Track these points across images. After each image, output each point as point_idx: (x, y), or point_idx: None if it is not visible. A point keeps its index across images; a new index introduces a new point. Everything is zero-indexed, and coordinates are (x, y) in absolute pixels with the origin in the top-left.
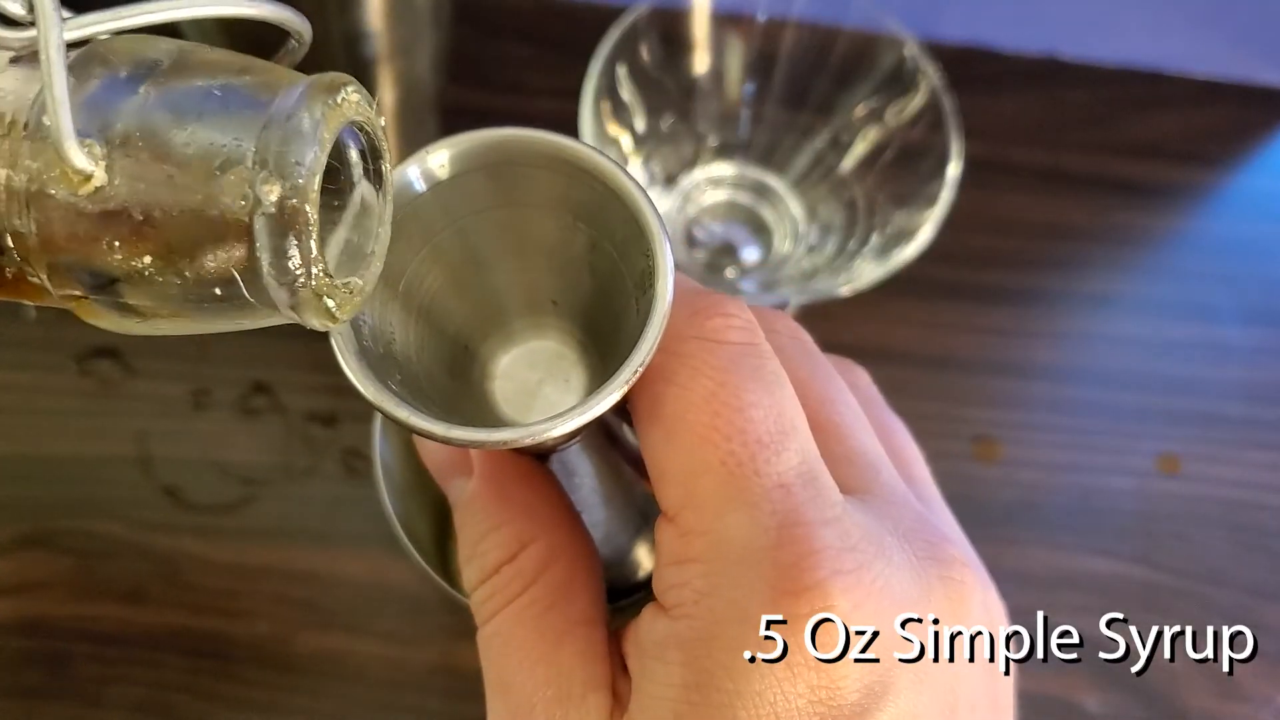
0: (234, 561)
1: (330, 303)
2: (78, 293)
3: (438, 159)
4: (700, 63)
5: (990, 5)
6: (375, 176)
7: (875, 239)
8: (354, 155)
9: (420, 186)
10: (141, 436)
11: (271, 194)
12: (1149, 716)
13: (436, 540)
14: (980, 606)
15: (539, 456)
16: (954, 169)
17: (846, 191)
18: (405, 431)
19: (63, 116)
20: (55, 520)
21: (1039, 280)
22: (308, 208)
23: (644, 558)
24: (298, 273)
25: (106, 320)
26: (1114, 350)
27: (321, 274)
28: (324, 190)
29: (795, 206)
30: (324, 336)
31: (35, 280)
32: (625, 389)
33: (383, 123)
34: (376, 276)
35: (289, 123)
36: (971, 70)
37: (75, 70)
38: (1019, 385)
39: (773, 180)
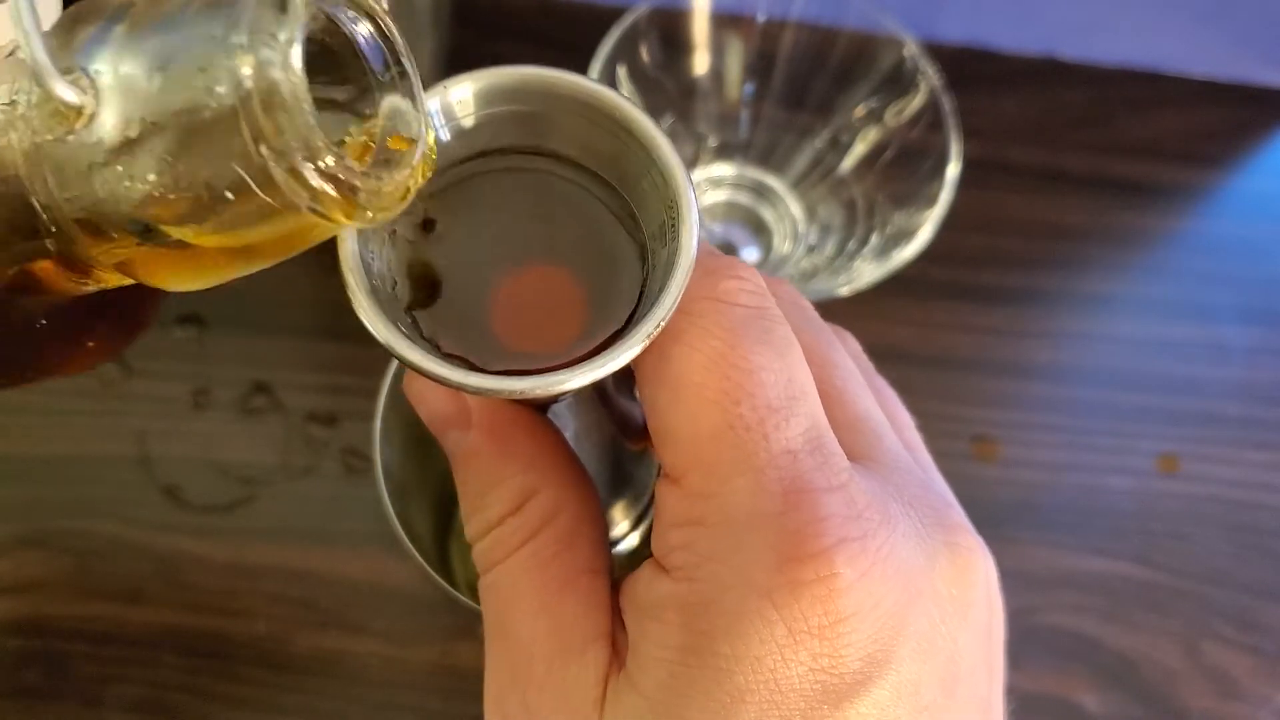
0: (233, 561)
1: (362, 196)
2: (124, 250)
3: (458, 93)
4: (700, 63)
5: (989, 6)
6: (399, 77)
7: (875, 239)
8: (374, 59)
9: (438, 122)
10: (141, 436)
11: (247, 68)
12: (1148, 716)
13: (436, 539)
14: (983, 575)
15: (539, 408)
16: (953, 169)
17: (846, 192)
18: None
19: (38, 50)
20: (54, 520)
21: (1038, 280)
22: (288, 76)
23: (618, 516)
24: (295, 151)
25: (167, 270)
26: (1113, 350)
27: (333, 161)
28: (350, 97)
29: (795, 207)
30: (322, 336)
31: (83, 253)
32: (647, 343)
33: (384, 5)
34: (418, 172)
35: (259, 3)
36: (971, 70)
37: (56, 31)
38: (1018, 385)
39: (772, 180)
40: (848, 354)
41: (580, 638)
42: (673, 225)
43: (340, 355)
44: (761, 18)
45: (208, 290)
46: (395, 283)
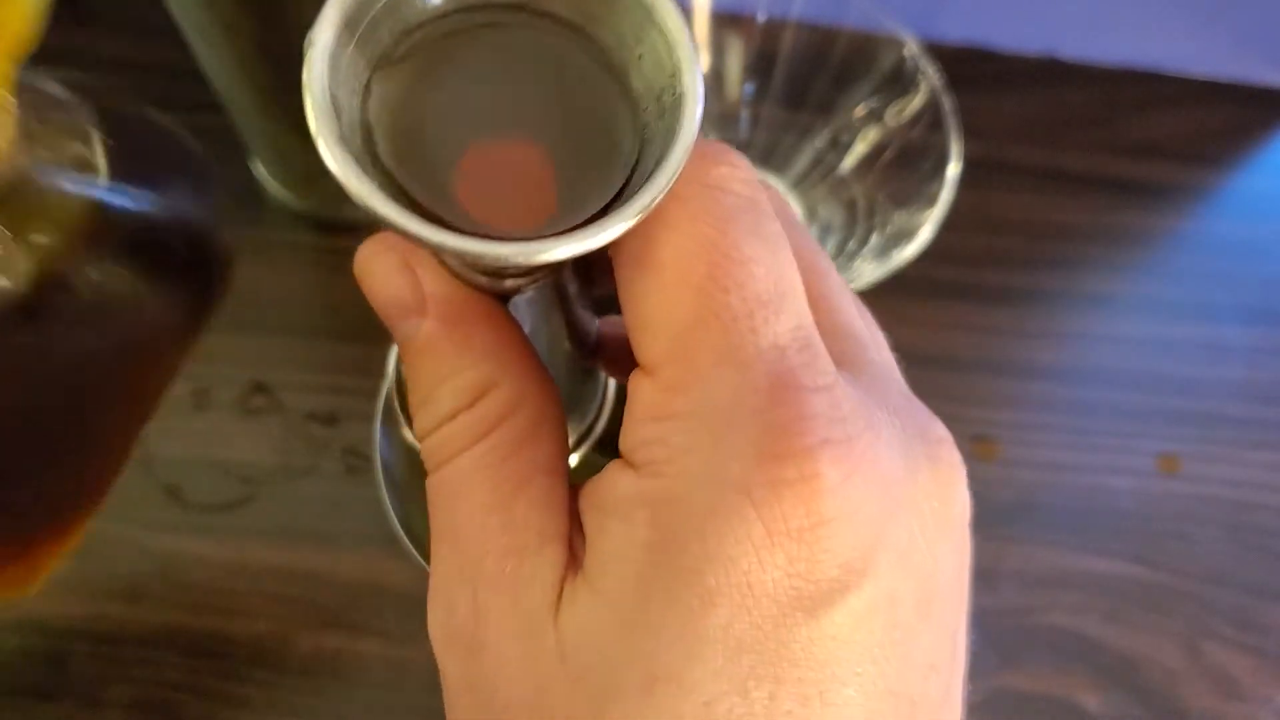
0: (234, 560)
1: None
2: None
3: None
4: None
5: (990, 5)
6: None
7: (875, 239)
8: None
9: None
10: (142, 435)
11: None
12: (1149, 716)
13: None
14: (962, 494)
15: (501, 299)
16: (953, 169)
17: (846, 191)
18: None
19: None
20: None
21: (1038, 280)
22: None
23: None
24: None
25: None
26: (1114, 350)
27: None
28: None
29: (795, 206)
30: (322, 336)
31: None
32: (642, 216)
33: None
34: None
35: None
36: (971, 70)
37: None
38: (1019, 385)
39: (773, 180)
40: None
41: (536, 537)
42: (673, 97)
43: (340, 355)
44: (762, 17)
45: None
46: (362, 141)
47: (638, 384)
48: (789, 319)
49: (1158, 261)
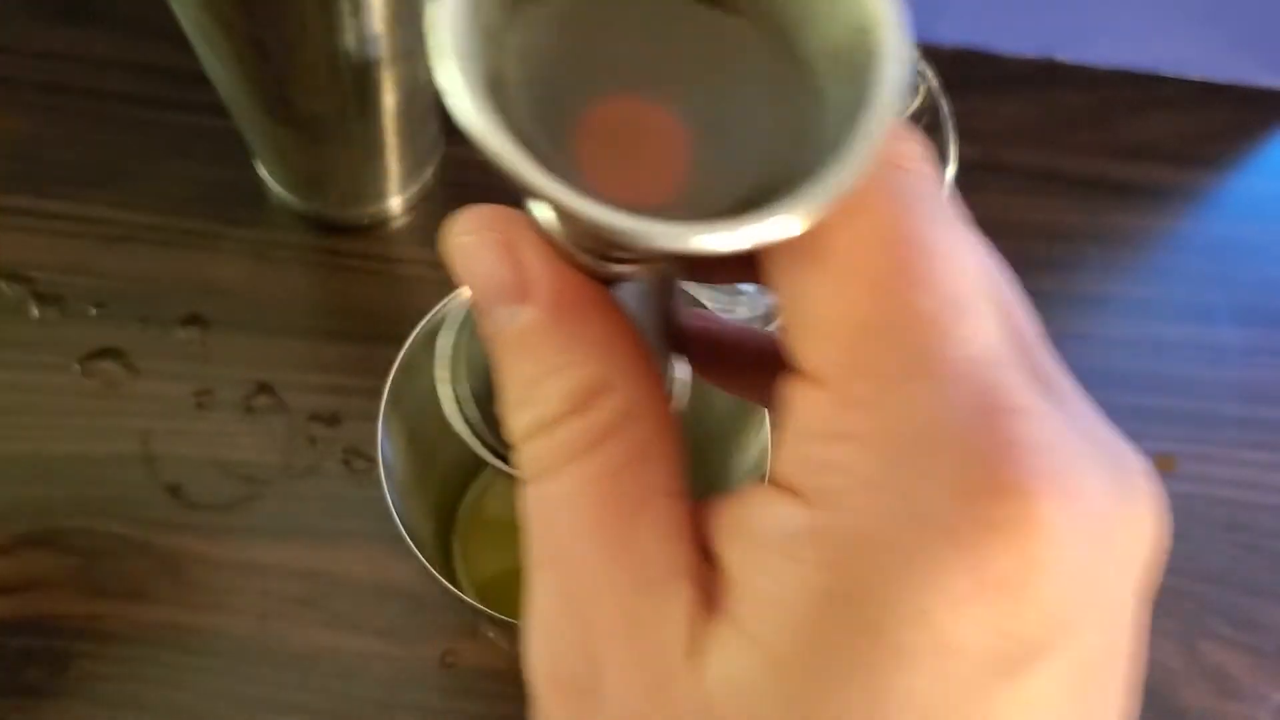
0: (236, 560)
1: None
2: None
3: None
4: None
5: (988, 9)
6: None
7: None
8: None
9: None
10: (144, 436)
11: None
12: (1146, 714)
13: (438, 538)
14: (1161, 529)
15: (609, 284)
16: (951, 170)
17: None
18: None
19: None
20: (58, 519)
21: (1035, 281)
22: None
23: None
24: None
25: None
26: (1110, 350)
27: None
28: None
29: None
30: (325, 337)
31: None
32: (833, 201)
33: None
34: None
35: None
36: (969, 73)
37: None
38: None
39: None
40: None
41: (662, 571)
42: (864, 54)
43: (342, 356)
44: None
45: (210, 291)
46: (489, 95)
47: (801, 395)
48: (985, 325)
49: (1154, 262)
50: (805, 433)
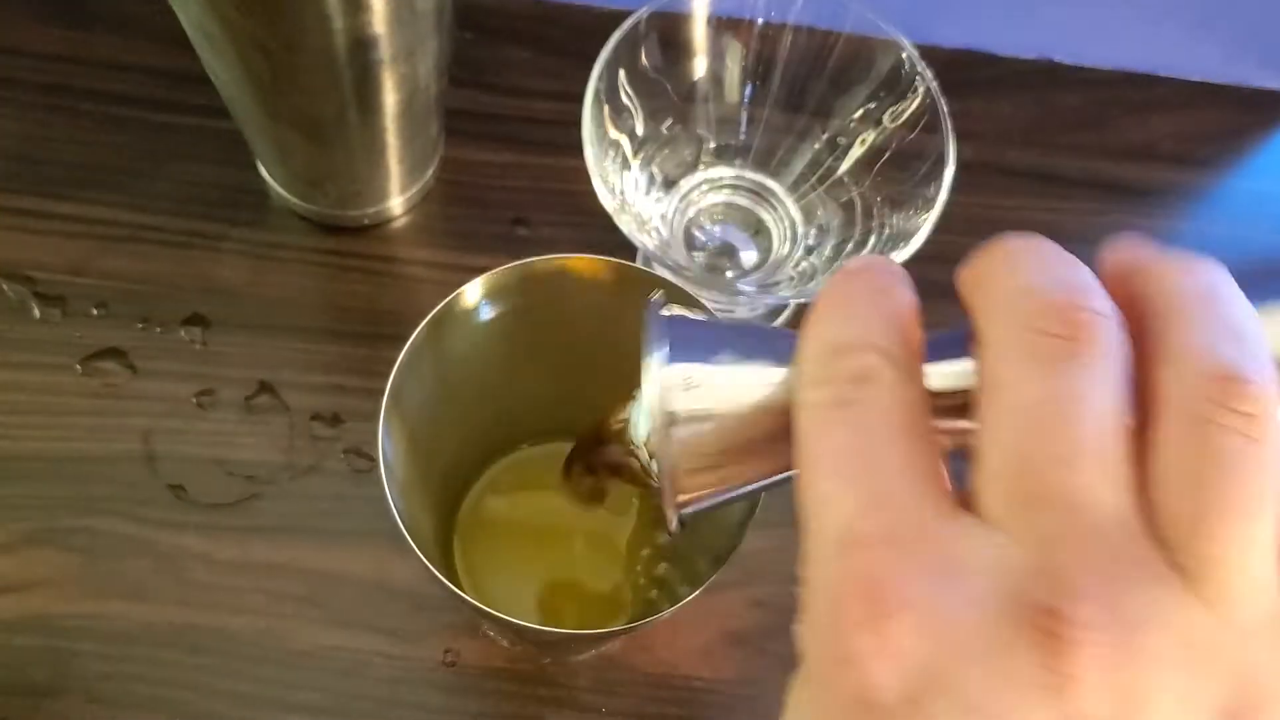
0: (238, 559)
1: None
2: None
3: None
4: (699, 67)
5: (986, 10)
6: None
7: (872, 240)
8: None
9: None
10: (146, 435)
11: None
12: None
13: (439, 538)
14: None
15: None
16: (950, 171)
17: (844, 194)
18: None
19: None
20: (60, 518)
21: None
22: None
23: None
24: None
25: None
26: None
27: None
28: None
29: (793, 209)
30: (326, 337)
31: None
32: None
33: None
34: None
35: None
36: (968, 74)
37: None
38: None
39: (771, 183)
40: None
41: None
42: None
43: (344, 356)
44: (760, 21)
45: (212, 291)
46: None
47: None
48: None
49: None
50: None
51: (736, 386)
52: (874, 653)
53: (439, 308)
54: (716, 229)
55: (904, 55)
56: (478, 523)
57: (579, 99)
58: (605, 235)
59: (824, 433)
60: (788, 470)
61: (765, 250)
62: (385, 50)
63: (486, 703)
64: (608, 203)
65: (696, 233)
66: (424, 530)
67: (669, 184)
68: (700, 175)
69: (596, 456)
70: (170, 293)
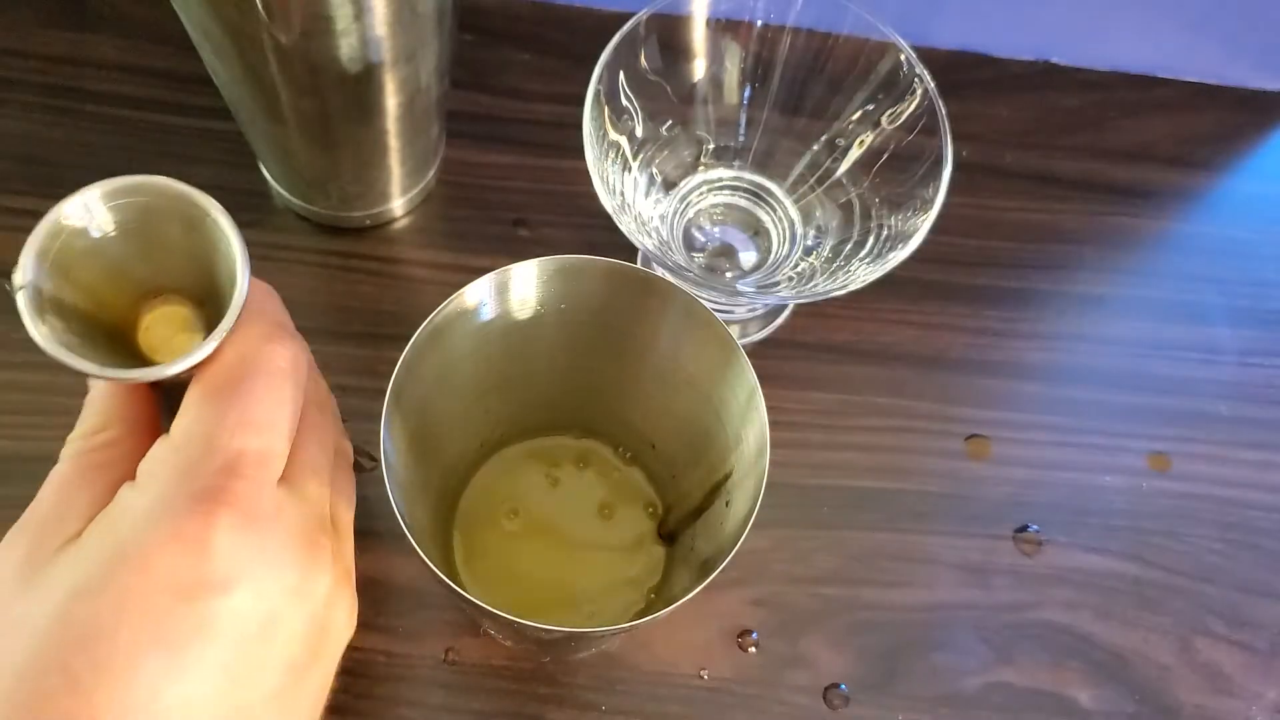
0: None
1: None
2: None
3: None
4: (699, 69)
5: (984, 12)
6: None
7: (871, 241)
8: None
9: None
10: None
11: None
12: (1141, 711)
13: (440, 536)
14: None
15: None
16: (948, 172)
17: (842, 195)
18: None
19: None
20: None
21: (1031, 281)
22: None
23: None
24: None
25: None
26: (1105, 350)
27: None
28: None
29: (792, 210)
30: (327, 338)
31: None
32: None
33: None
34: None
35: None
36: (966, 76)
37: None
38: (1011, 385)
39: (770, 184)
40: None
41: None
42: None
43: (345, 356)
44: (759, 23)
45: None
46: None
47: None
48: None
49: (1149, 263)
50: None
51: None
52: None
53: (440, 308)
54: (716, 230)
55: (902, 57)
56: (478, 521)
57: (579, 101)
58: (605, 236)
59: None
60: None
61: (764, 251)
62: (387, 52)
63: (487, 701)
64: (608, 204)
65: (696, 233)
66: (424, 529)
67: (669, 185)
68: (700, 176)
69: None
70: None
